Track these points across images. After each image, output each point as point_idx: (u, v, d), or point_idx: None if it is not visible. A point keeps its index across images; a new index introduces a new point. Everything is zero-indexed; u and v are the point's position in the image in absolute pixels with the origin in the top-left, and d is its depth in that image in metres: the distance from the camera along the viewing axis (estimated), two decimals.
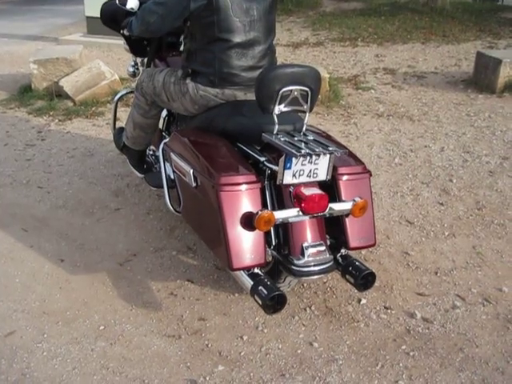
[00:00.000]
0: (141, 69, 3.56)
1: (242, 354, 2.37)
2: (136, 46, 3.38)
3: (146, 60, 3.43)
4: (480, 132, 4.98)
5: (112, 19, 3.17)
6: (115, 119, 3.83)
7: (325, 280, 2.81)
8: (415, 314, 2.61)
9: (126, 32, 3.00)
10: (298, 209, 2.26)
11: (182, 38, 2.99)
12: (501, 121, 5.27)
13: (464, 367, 2.31)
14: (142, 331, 2.49)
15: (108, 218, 3.43)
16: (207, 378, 2.24)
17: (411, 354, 2.38)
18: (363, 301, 2.69)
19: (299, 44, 8.71)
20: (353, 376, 2.26)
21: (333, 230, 2.44)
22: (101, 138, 4.71)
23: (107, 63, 6.19)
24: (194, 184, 2.39)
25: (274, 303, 2.16)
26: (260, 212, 2.15)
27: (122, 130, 3.51)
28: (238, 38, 2.59)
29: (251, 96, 2.54)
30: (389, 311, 2.64)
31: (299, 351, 2.39)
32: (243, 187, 2.23)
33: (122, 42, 3.43)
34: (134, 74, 3.67)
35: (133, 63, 3.64)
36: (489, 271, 2.97)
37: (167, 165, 2.77)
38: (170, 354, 2.36)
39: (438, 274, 2.93)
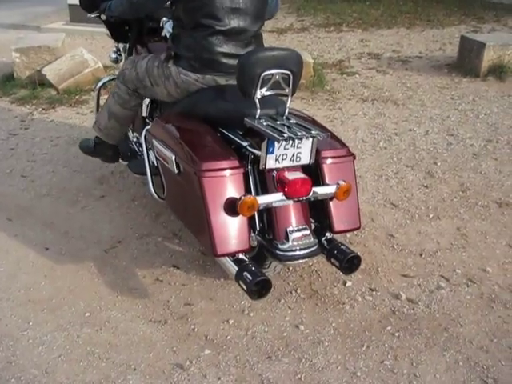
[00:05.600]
0: (123, 55, 3.54)
1: (229, 337, 2.38)
2: (117, 31, 3.36)
3: (127, 46, 3.40)
4: (464, 115, 4.99)
5: (91, 3, 3.14)
6: (98, 107, 3.79)
7: (310, 263, 2.82)
8: (400, 295, 2.63)
9: (103, 16, 2.98)
10: (281, 193, 2.24)
11: (162, 22, 2.97)
12: (485, 104, 5.29)
13: (449, 346, 2.34)
14: (127, 317, 2.49)
15: (93, 206, 3.41)
16: (194, 362, 2.24)
17: (396, 334, 2.40)
18: (348, 283, 2.71)
19: (284, 30, 8.65)
20: (339, 357, 2.28)
21: (317, 213, 2.43)
22: (84, 126, 4.66)
23: (90, 51, 6.11)
24: (176, 170, 2.37)
25: (259, 288, 2.15)
26: (243, 197, 2.14)
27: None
28: (220, 25, 2.56)
29: (232, 82, 2.52)
30: (374, 293, 2.66)
31: (285, 334, 2.40)
32: (226, 173, 2.21)
33: (105, 29, 3.40)
34: (116, 60, 3.66)
35: (115, 49, 3.63)
36: (473, 252, 2.99)
37: (150, 152, 2.75)
38: (156, 339, 2.37)
39: (423, 256, 2.95)
